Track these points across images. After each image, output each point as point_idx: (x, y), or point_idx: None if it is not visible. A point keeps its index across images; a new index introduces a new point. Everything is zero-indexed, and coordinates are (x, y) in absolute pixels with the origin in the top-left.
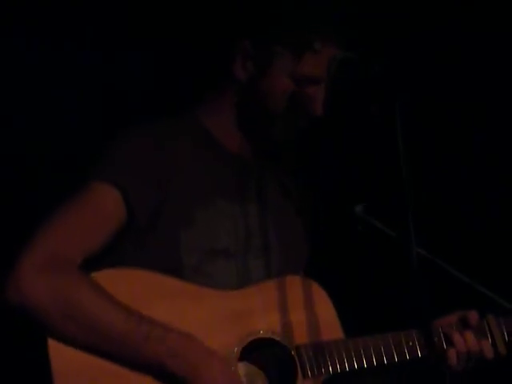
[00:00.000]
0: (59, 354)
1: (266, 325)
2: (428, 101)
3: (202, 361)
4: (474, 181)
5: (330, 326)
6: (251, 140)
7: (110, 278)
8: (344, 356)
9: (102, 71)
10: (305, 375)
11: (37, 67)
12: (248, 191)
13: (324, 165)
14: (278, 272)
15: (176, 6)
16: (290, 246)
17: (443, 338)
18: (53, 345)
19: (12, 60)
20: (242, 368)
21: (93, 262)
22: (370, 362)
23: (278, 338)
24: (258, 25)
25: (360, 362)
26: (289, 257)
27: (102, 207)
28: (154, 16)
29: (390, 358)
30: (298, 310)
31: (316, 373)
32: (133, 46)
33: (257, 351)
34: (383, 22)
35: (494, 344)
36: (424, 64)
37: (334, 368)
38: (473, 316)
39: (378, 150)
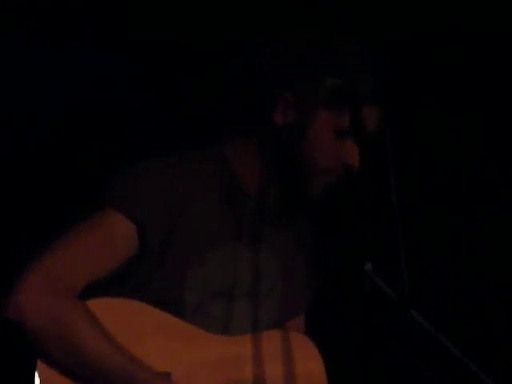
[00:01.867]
0: (47, 377)
1: (255, 375)
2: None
3: None
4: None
5: (319, 382)
6: (277, 191)
7: (107, 307)
8: None
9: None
10: None
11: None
12: (262, 237)
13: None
14: (278, 318)
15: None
16: (293, 295)
17: None
18: (41, 367)
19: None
20: None
21: (97, 287)
22: None
23: None
24: (302, 78)
25: None
26: (290, 305)
27: (114, 237)
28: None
29: None
30: (287, 363)
31: None
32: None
33: None
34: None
35: None
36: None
37: None
38: None
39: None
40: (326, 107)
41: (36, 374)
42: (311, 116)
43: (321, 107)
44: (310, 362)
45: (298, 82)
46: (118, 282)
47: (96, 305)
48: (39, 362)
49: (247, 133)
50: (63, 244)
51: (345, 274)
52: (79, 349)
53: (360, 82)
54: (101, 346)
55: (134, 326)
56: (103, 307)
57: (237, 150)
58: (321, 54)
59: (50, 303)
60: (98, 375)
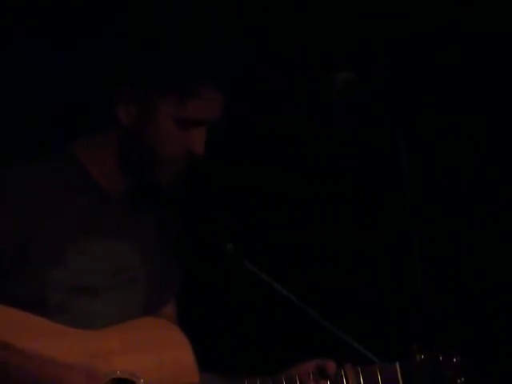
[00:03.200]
0: None
1: (124, 365)
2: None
3: None
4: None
5: (188, 368)
6: (131, 183)
7: None
8: None
9: None
10: None
11: None
12: (121, 230)
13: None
14: (143, 308)
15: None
16: (156, 283)
17: None
18: None
19: None
20: None
21: None
22: None
23: (134, 379)
24: (139, 70)
25: None
26: (155, 293)
27: None
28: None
29: None
30: (156, 351)
31: None
32: None
33: None
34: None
35: None
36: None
37: None
38: (330, 366)
39: None
40: (167, 98)
41: None
42: (150, 107)
43: (158, 97)
44: (179, 349)
45: (136, 73)
46: None
47: None
48: None
49: (97, 129)
50: None
51: (207, 256)
52: None
53: (203, 74)
54: None
55: (2, 331)
56: None
57: (88, 146)
58: (158, 45)
59: None
60: None
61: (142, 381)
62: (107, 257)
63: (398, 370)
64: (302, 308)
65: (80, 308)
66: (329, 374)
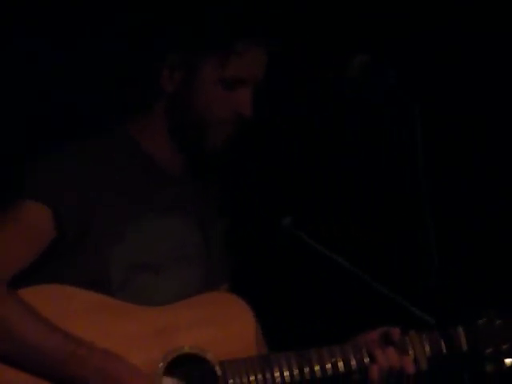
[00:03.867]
0: None
1: (191, 340)
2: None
3: (126, 379)
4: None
5: (253, 341)
6: (183, 154)
7: (35, 295)
8: (265, 371)
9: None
10: None
11: None
12: (177, 206)
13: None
14: (204, 284)
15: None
16: (215, 258)
17: (366, 354)
18: None
19: None
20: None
21: (22, 279)
22: (292, 378)
23: (202, 354)
24: (179, 36)
25: (281, 378)
26: (214, 269)
27: (31, 226)
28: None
29: (311, 373)
30: (222, 325)
31: None
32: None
33: (182, 367)
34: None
35: (415, 359)
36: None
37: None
38: (395, 332)
39: None
40: (208, 60)
41: None
42: (194, 71)
43: (200, 60)
44: (244, 322)
45: (176, 40)
46: (43, 274)
47: (27, 293)
48: None
49: (145, 107)
50: None
51: (264, 230)
52: (15, 336)
53: (239, 31)
54: (35, 329)
55: (67, 309)
56: (33, 294)
57: (139, 123)
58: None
59: None
60: (37, 361)
61: (209, 355)
62: (166, 234)
63: (462, 333)
64: (357, 275)
65: (142, 285)
66: (394, 341)
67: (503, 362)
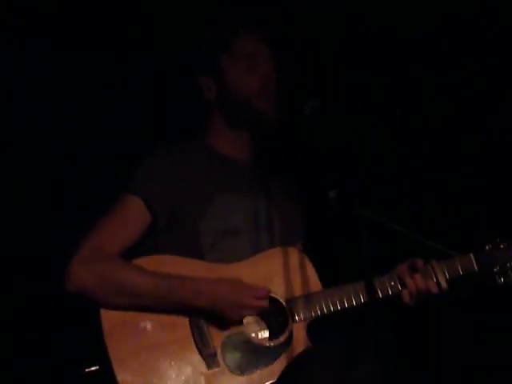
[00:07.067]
0: (108, 316)
1: (283, 284)
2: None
3: (216, 290)
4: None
5: (313, 283)
6: (248, 141)
7: (144, 263)
8: (327, 300)
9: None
10: (294, 321)
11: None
12: (250, 186)
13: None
14: (280, 244)
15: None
16: (288, 224)
17: (398, 281)
18: (103, 312)
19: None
20: (246, 317)
21: (130, 256)
22: (349, 303)
23: (273, 295)
24: (204, 59)
25: (341, 304)
26: (288, 232)
27: (130, 213)
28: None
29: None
30: (290, 272)
31: (302, 318)
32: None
33: None
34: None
35: (437, 282)
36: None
37: (318, 312)
38: (419, 262)
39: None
40: (223, 56)
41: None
42: (220, 71)
43: (220, 60)
44: (304, 269)
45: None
46: (146, 249)
47: (139, 261)
48: (102, 311)
49: (207, 116)
50: (98, 225)
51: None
52: (129, 287)
53: (239, 20)
54: (146, 278)
55: (170, 269)
56: (145, 262)
57: (209, 130)
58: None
59: (95, 266)
60: (155, 300)
61: (279, 295)
62: (242, 206)
63: (473, 259)
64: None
65: (227, 247)
66: (419, 268)
67: (510, 275)
